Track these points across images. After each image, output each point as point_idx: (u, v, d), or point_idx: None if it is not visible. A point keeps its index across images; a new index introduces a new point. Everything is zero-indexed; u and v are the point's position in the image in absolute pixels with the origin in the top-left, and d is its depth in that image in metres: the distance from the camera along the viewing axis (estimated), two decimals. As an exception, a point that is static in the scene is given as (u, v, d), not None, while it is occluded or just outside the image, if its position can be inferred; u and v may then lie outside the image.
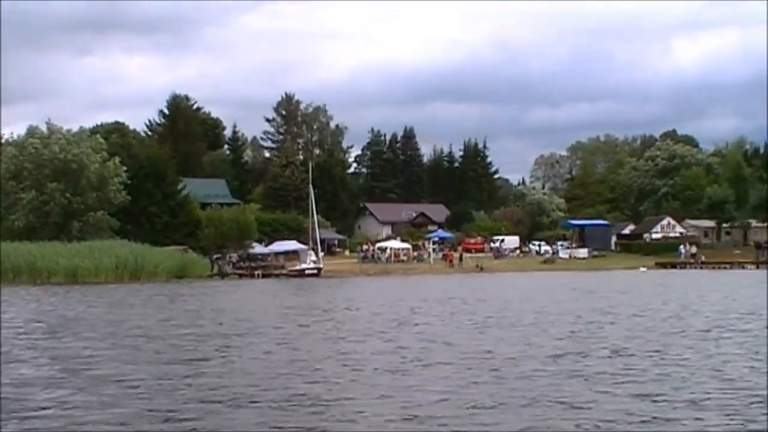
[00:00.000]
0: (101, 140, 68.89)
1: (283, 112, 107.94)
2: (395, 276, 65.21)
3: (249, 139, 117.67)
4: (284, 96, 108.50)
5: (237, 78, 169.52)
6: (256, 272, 61.53)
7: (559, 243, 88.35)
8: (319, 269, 62.34)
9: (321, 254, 68.52)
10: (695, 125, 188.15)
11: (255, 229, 71.89)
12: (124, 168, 67.66)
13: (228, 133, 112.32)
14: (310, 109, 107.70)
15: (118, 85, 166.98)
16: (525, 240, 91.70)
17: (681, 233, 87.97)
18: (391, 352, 14.86)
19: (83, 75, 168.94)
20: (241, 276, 60.83)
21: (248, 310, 27.92)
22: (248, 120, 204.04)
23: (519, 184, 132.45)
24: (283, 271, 63.12)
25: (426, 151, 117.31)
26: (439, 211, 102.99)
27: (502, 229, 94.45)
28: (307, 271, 61.58)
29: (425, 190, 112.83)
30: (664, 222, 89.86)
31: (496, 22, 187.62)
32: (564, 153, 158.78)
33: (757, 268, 67.01)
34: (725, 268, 68.48)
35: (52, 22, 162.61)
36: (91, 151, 65.31)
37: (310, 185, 69.13)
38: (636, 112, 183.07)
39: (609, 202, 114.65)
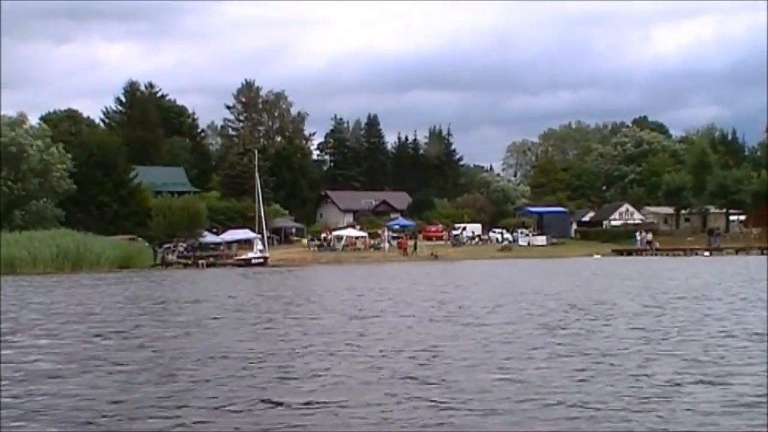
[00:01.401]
0: (44, 126, 67.31)
1: (243, 99, 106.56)
2: (347, 265, 64.38)
3: (219, 127, 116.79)
4: (244, 83, 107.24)
5: (216, 65, 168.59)
6: (200, 262, 60.46)
7: (520, 231, 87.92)
8: (265, 258, 61.45)
9: (267, 243, 67.65)
10: (675, 113, 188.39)
11: (205, 218, 70.84)
12: (69, 155, 66.18)
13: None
14: (271, 96, 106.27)
15: (98, 73, 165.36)
16: (487, 228, 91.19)
17: (641, 220, 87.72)
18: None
19: (63, 63, 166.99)
20: (185, 266, 59.79)
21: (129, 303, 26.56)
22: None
23: (486, 172, 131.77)
24: (229, 261, 62.12)
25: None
26: (401, 199, 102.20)
27: (465, 216, 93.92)
28: (253, 260, 60.68)
29: (389, 177, 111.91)
30: (623, 209, 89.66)
31: (476, 11, 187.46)
32: (536, 140, 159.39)
33: (710, 254, 66.78)
34: (678, 254, 68.18)
35: (31, 10, 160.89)
36: (29, 135, 63.66)
37: (256, 173, 68.07)
38: (617, 101, 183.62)
39: (576, 189, 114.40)
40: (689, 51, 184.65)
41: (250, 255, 62.16)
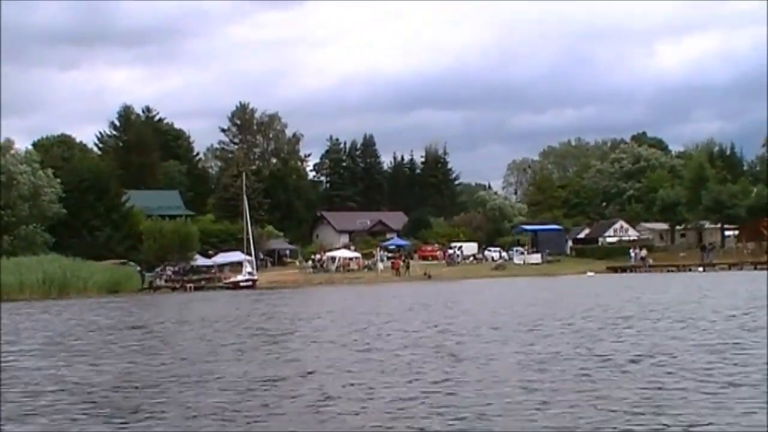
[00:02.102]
0: (32, 151, 67.52)
1: (238, 122, 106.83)
2: (339, 285, 64.13)
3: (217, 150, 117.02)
4: (239, 105, 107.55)
5: (222, 88, 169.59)
6: (188, 285, 60.27)
7: (515, 249, 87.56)
8: (254, 281, 61.25)
9: (261, 265, 67.54)
10: (679, 128, 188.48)
11: (197, 241, 70.66)
12: (58, 180, 66.29)
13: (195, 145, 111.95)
14: (265, 118, 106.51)
15: (104, 98, 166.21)
16: (483, 246, 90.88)
17: (637, 236, 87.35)
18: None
19: (69, 88, 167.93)
20: (173, 289, 59.61)
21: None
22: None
23: (484, 190, 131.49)
24: (218, 284, 61.94)
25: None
26: (398, 219, 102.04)
27: (461, 235, 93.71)
28: (241, 283, 60.47)
29: (386, 197, 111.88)
30: (617, 226, 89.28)
31: (479, 29, 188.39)
32: (537, 158, 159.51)
33: (704, 270, 66.30)
34: (672, 270, 67.74)
35: (36, 36, 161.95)
36: (16, 161, 63.84)
37: (244, 195, 68.10)
38: (621, 116, 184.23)
39: (575, 206, 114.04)
40: (693, 66, 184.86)
41: (239, 278, 61.96)
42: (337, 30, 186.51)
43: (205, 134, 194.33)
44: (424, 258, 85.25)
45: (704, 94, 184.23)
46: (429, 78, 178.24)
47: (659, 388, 9.81)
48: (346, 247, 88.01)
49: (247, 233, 64.66)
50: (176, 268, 67.35)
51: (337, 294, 48.60)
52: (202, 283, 63.23)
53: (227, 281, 62.05)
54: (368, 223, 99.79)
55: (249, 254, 65.00)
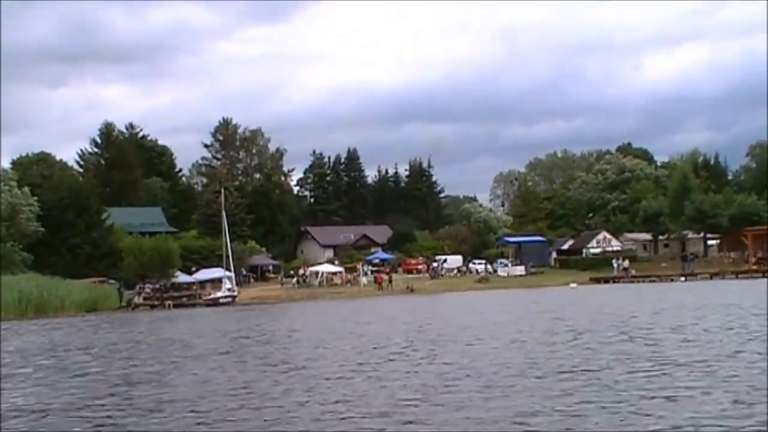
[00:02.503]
0: (9, 170, 67.06)
1: (220, 137, 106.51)
2: (321, 301, 63.85)
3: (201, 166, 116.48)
4: (222, 120, 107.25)
5: (212, 104, 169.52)
6: (167, 303, 59.79)
7: (500, 261, 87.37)
8: (233, 297, 60.87)
9: (243, 281, 67.00)
10: (669, 139, 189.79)
11: (178, 258, 70.14)
12: (35, 198, 65.82)
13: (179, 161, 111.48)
14: (248, 133, 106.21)
15: (93, 116, 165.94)
16: (468, 259, 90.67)
17: (621, 247, 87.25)
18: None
19: (58, 106, 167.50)
20: (152, 307, 59.13)
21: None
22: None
23: (469, 203, 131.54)
24: (198, 301, 61.50)
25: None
26: (382, 233, 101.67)
27: (445, 248, 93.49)
28: (221, 300, 60.08)
29: (370, 211, 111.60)
30: (600, 237, 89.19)
31: (472, 43, 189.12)
32: (523, 170, 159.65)
33: (685, 279, 66.21)
34: (654, 281, 67.63)
35: (24, 54, 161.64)
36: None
37: (223, 211, 67.76)
38: (611, 128, 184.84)
39: (561, 217, 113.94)
40: (682, 77, 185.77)
41: (218, 294, 61.53)
42: (327, 45, 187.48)
43: (194, 150, 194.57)
44: (409, 271, 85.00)
45: (693, 105, 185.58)
46: (420, 92, 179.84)
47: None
48: (330, 261, 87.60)
49: (227, 249, 64.14)
50: (158, 286, 66.87)
51: (311, 310, 48.35)
52: (184, 300, 62.74)
53: (207, 298, 61.59)
54: (352, 237, 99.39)
55: (229, 270, 64.48)
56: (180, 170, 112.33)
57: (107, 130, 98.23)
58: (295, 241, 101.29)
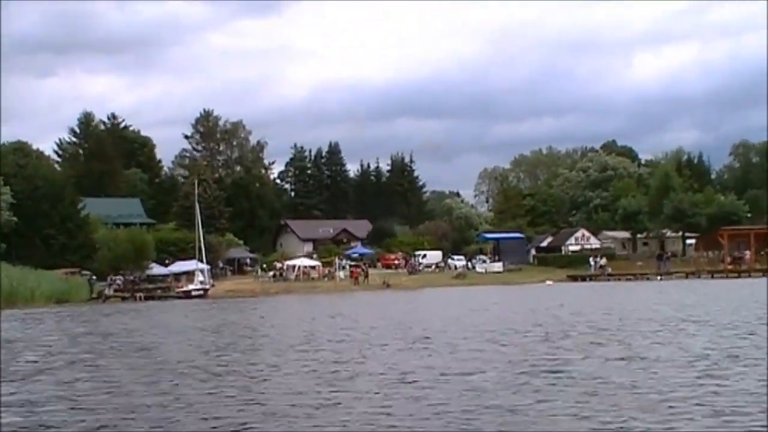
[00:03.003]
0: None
1: (201, 129, 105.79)
2: (295, 295, 63.57)
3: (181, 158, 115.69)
4: (203, 112, 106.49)
5: (201, 96, 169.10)
6: (137, 295, 59.30)
7: (479, 257, 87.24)
8: (205, 290, 60.46)
9: (221, 274, 66.52)
10: (658, 138, 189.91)
11: (152, 250, 69.63)
12: (8, 187, 65.11)
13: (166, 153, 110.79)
14: (229, 126, 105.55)
15: (82, 107, 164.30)
16: (448, 255, 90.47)
17: (599, 245, 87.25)
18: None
19: (47, 96, 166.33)
20: (124, 299, 58.62)
21: None
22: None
23: (450, 198, 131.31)
24: (170, 293, 61.02)
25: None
26: (363, 227, 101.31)
27: (425, 243, 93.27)
28: (193, 293, 59.65)
29: (351, 206, 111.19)
30: (579, 234, 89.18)
31: (461, 40, 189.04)
32: (509, 166, 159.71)
33: (661, 279, 66.18)
34: (630, 279, 67.57)
35: (13, 44, 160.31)
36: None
37: (196, 203, 67.26)
38: (600, 126, 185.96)
39: (543, 214, 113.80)
40: (670, 76, 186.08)
41: (191, 287, 61.08)
42: (317, 39, 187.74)
43: (182, 142, 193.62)
44: (388, 266, 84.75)
45: (681, 105, 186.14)
46: (410, 87, 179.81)
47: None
48: (309, 255, 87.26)
49: (200, 242, 63.67)
50: (131, 278, 66.36)
51: (282, 305, 48.04)
52: (159, 292, 62.21)
53: (179, 290, 61.14)
54: (332, 231, 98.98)
55: (202, 262, 64.05)
56: (160, 161, 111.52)
57: (86, 120, 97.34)
58: (274, 234, 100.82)
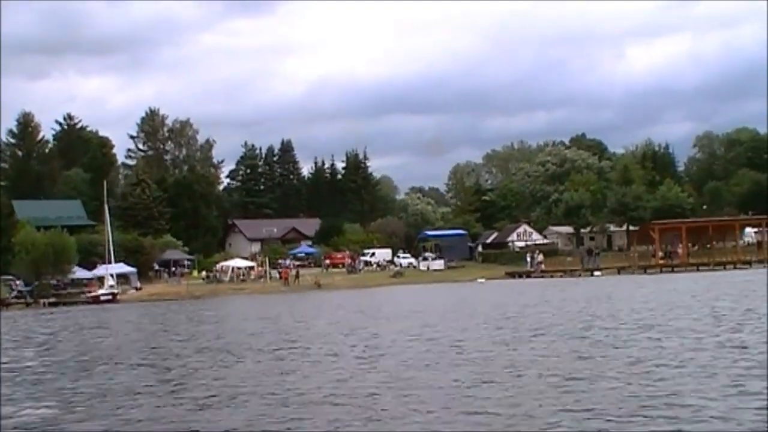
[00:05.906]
0: None
1: (147, 128, 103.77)
2: (222, 297, 62.00)
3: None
4: (148, 111, 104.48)
5: (194, 95, 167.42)
6: (42, 301, 57.46)
7: (423, 255, 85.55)
8: (114, 294, 58.70)
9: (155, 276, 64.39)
10: (650, 130, 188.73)
11: (74, 253, 67.73)
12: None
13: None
14: (177, 125, 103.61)
15: (75, 107, 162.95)
16: (397, 252, 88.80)
17: (542, 240, 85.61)
18: None
19: (39, 98, 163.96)
20: (27, 305, 56.81)
21: None
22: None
23: (407, 194, 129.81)
24: (78, 299, 59.23)
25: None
26: (313, 226, 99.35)
27: (374, 241, 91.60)
28: (102, 297, 57.89)
29: (304, 204, 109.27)
30: (521, 230, 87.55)
31: (452, 34, 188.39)
32: (480, 161, 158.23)
33: (592, 274, 64.38)
34: (562, 276, 65.91)
35: (6, 45, 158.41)
36: None
37: (105, 204, 65.39)
38: (592, 119, 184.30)
39: (503, 209, 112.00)
40: (663, 68, 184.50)
41: (100, 292, 59.31)
42: (309, 37, 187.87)
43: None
44: (335, 265, 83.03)
45: (674, 97, 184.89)
46: (401, 83, 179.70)
47: None
48: (253, 256, 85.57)
49: (108, 244, 61.94)
50: (55, 282, 64.61)
51: (189, 308, 46.33)
52: (66, 297, 60.29)
53: (89, 296, 59.34)
54: (278, 230, 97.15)
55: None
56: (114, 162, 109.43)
57: (24, 120, 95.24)
58: (223, 234, 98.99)
